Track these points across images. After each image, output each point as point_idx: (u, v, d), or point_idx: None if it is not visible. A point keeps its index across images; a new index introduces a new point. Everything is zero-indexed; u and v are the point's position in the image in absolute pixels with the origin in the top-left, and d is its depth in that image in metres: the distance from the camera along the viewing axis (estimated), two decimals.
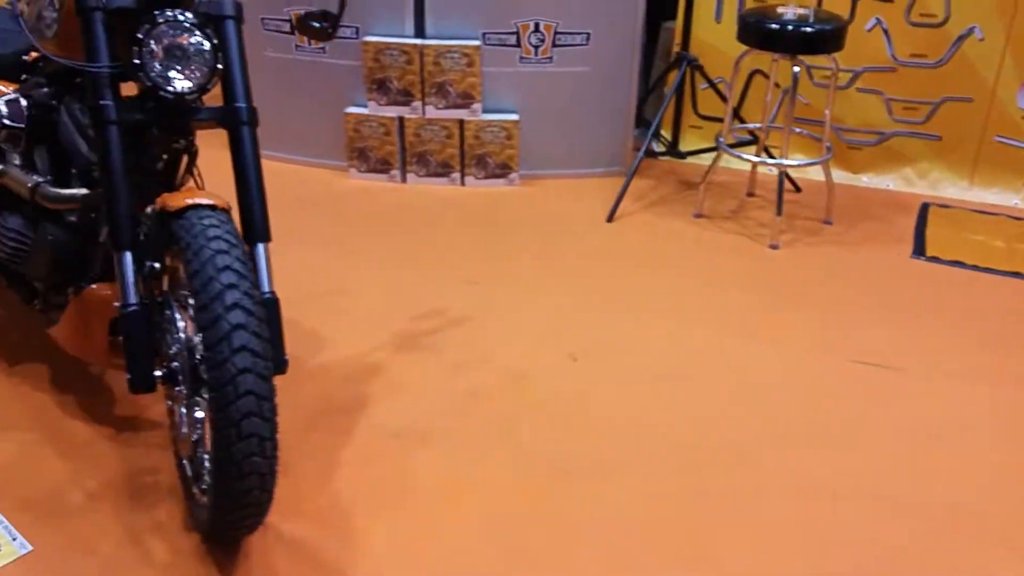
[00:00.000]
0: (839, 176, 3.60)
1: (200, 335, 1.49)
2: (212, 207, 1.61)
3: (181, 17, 1.61)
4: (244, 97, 1.74)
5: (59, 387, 2.23)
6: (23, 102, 1.89)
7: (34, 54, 2.15)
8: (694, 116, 3.91)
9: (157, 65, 1.61)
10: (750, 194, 3.58)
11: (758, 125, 3.44)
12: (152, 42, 1.60)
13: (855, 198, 3.54)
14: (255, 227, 1.71)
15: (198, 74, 1.66)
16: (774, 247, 3.11)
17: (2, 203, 2.06)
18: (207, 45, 1.64)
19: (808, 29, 2.88)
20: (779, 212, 3.09)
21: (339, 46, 3.45)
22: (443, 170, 3.56)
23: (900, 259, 3.07)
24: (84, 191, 1.86)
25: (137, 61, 1.60)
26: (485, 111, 3.47)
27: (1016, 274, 2.98)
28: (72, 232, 1.91)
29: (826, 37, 2.89)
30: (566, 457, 2.04)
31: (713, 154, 3.35)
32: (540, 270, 2.93)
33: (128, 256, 1.65)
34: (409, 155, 3.55)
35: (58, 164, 1.95)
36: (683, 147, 3.87)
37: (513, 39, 3.41)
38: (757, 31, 2.94)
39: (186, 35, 1.63)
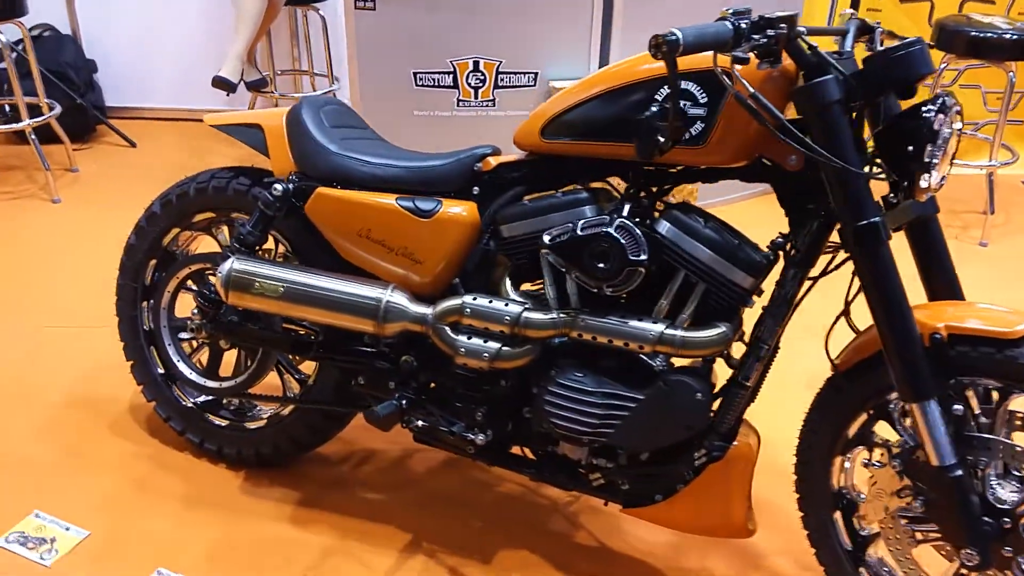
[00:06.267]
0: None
1: None
2: None
3: (952, 101, 1.33)
4: None
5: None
6: (636, 229, 1.42)
7: (492, 161, 1.65)
8: None
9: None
10: None
11: None
12: (939, 134, 1.30)
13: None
14: None
15: (947, 165, 1.38)
16: (983, 244, 3.22)
17: (563, 358, 1.56)
18: (958, 129, 1.37)
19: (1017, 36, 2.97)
20: (991, 211, 3.20)
21: (512, 95, 3.03)
22: None
23: None
24: (725, 329, 1.46)
25: (927, 160, 1.30)
26: None
27: None
28: (710, 383, 1.50)
29: None
30: None
31: None
32: None
33: (934, 406, 1.32)
34: None
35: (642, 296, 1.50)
36: None
37: None
38: (965, 39, 2.99)
39: (955, 122, 1.34)
